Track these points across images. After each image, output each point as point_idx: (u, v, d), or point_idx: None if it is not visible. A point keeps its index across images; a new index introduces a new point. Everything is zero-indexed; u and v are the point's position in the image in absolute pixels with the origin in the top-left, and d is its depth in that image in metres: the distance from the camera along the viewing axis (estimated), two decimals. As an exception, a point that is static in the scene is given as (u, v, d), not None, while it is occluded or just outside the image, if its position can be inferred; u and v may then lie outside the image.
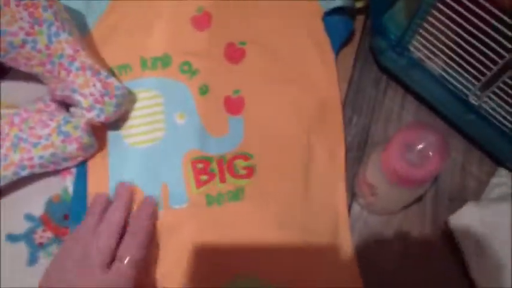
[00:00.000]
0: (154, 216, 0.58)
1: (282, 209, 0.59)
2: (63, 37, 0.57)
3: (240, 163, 0.60)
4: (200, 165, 0.60)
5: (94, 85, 0.57)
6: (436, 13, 0.55)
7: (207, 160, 0.60)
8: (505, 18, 0.46)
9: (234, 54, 0.64)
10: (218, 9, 0.64)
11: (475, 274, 0.56)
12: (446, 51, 0.57)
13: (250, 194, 0.59)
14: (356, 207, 0.62)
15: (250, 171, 0.60)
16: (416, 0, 0.57)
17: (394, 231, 0.61)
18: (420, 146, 0.49)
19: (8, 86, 0.64)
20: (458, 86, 0.58)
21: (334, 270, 0.58)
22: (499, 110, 0.57)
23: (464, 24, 0.51)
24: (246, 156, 0.60)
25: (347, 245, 0.59)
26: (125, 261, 0.52)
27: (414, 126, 0.51)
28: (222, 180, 0.59)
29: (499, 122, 0.57)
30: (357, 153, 0.64)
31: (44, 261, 0.58)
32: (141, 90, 0.63)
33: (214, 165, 0.60)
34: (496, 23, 0.47)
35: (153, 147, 0.61)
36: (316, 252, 0.58)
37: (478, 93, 0.57)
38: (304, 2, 0.66)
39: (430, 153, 0.49)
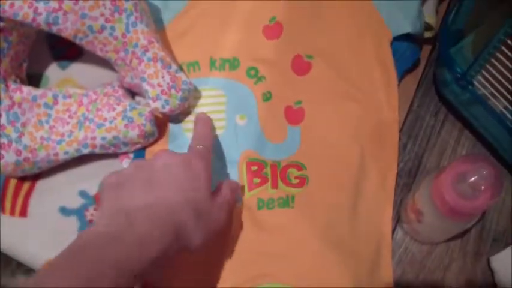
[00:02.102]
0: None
1: (328, 223, 0.59)
2: (140, 27, 0.59)
3: (293, 172, 0.61)
4: (254, 168, 0.60)
5: (163, 77, 0.59)
6: (505, 50, 0.55)
7: (261, 163, 0.61)
8: None
9: (301, 66, 0.65)
10: (290, 21, 0.65)
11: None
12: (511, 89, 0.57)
13: (299, 203, 0.59)
14: (399, 233, 0.62)
15: (303, 181, 0.61)
16: (486, 36, 0.58)
17: (434, 261, 0.61)
18: (473, 179, 0.49)
19: (80, 68, 0.67)
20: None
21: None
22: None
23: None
24: (299, 166, 0.61)
25: (387, 268, 0.60)
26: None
27: (471, 158, 0.51)
28: (274, 186, 0.60)
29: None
30: (407, 180, 0.64)
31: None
32: (206, 89, 0.64)
33: (268, 170, 0.60)
34: None
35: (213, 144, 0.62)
36: (355, 272, 0.58)
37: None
38: (374, 25, 0.66)
39: (482, 187, 0.49)
